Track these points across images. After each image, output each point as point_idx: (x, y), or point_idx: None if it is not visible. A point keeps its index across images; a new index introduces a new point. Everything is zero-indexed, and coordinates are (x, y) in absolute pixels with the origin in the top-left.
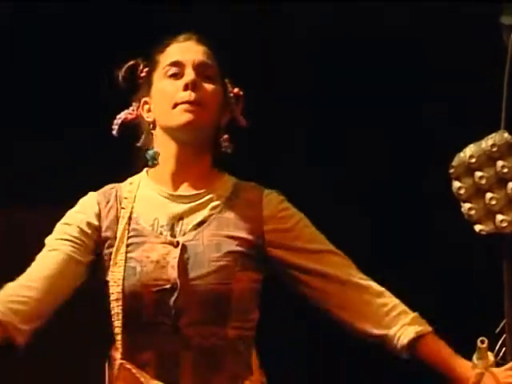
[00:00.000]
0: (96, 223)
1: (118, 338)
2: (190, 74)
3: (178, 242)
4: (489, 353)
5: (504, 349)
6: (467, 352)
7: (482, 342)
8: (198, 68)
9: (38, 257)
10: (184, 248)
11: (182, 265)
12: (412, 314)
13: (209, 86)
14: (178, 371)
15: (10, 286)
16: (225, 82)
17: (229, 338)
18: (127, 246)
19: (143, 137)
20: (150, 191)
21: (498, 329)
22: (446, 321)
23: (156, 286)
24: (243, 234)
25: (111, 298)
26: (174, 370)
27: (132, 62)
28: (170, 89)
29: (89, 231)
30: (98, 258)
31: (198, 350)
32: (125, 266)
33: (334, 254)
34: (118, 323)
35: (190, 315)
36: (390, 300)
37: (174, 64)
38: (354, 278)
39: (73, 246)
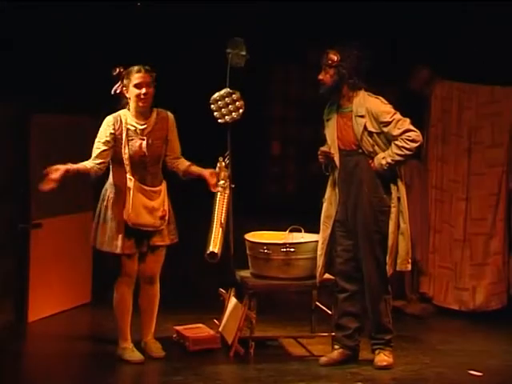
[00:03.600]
0: (113, 131)
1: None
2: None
3: (144, 139)
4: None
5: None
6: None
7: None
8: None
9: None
10: (148, 138)
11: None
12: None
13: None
14: None
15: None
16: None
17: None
18: (127, 140)
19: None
20: (132, 119)
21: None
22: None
23: (138, 153)
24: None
25: (125, 156)
26: None
27: (119, 69)
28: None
29: (111, 134)
30: (116, 143)
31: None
32: (128, 146)
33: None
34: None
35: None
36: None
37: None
38: (181, 158)
39: (107, 140)
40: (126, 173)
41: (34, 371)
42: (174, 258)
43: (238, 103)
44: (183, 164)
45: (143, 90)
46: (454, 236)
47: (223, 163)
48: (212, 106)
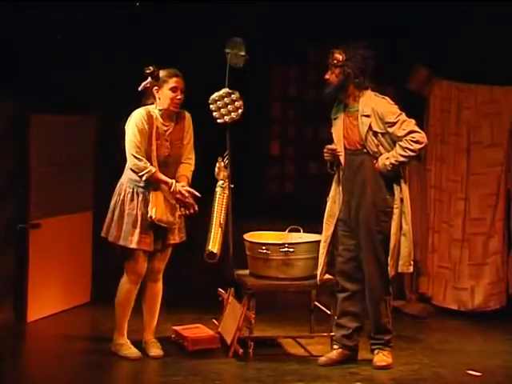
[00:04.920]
0: (147, 126)
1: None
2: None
3: (167, 139)
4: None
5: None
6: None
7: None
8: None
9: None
10: (170, 139)
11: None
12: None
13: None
14: None
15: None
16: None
17: None
18: (156, 138)
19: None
20: (159, 118)
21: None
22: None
23: (163, 153)
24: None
25: (153, 153)
26: None
27: (154, 68)
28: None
29: (147, 130)
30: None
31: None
32: (157, 143)
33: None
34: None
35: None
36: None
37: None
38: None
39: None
40: None
41: (33, 371)
42: (173, 257)
43: (237, 103)
44: (181, 170)
45: (178, 95)
46: (453, 236)
47: (222, 163)
48: (211, 106)
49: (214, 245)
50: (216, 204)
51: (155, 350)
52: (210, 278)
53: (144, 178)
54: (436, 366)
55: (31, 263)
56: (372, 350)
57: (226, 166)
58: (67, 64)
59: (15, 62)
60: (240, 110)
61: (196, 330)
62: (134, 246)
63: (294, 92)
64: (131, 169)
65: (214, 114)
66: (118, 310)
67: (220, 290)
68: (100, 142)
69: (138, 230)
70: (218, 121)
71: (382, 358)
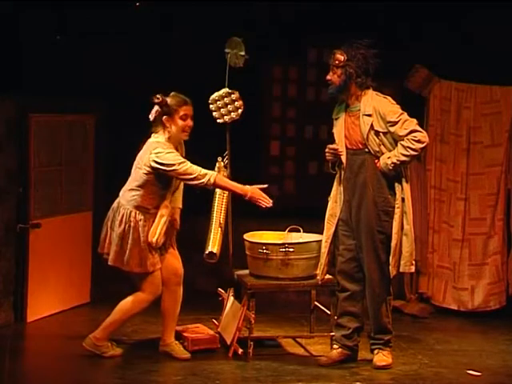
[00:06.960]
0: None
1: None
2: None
3: None
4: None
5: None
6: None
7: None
8: None
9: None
10: None
11: None
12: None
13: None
14: None
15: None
16: None
17: None
18: None
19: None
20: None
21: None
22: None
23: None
24: None
25: (175, 183)
26: None
27: (162, 97)
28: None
29: None
30: None
31: None
32: None
33: None
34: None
35: None
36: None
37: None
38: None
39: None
40: (161, 198)
41: (32, 371)
42: None
43: (237, 103)
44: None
45: (190, 123)
46: (452, 236)
47: (222, 163)
48: (211, 106)
49: (213, 245)
50: (216, 204)
51: (181, 353)
52: (209, 278)
53: (212, 181)
54: (435, 365)
55: (31, 263)
56: (372, 350)
57: (225, 166)
58: (67, 64)
59: (16, 63)
60: (240, 110)
61: (196, 330)
62: (154, 268)
63: (294, 92)
64: (189, 181)
65: (214, 113)
66: (118, 319)
67: (220, 289)
68: (100, 142)
69: (151, 254)
70: (218, 121)
71: (381, 357)
